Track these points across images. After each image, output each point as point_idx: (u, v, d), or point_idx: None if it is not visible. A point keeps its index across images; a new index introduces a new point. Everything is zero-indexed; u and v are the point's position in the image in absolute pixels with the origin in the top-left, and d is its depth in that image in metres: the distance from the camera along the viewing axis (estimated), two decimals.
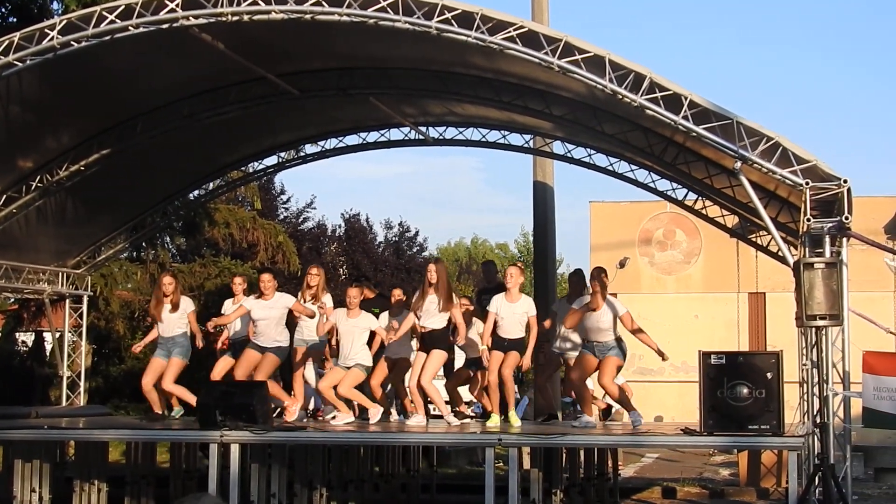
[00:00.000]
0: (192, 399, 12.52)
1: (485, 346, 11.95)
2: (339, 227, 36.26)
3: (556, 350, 12.98)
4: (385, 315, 12.70)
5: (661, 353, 11.56)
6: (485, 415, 12.77)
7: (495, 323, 11.70)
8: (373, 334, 12.30)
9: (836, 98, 79.21)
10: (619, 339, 11.58)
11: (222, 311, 13.19)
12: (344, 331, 12.03)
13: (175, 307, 12.75)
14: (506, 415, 11.83)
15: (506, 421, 11.76)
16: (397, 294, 12.96)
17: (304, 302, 12.51)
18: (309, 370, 13.14)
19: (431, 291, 11.68)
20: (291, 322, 12.65)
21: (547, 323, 12.72)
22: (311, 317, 12.36)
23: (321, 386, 12.22)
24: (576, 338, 12.36)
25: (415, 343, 12.33)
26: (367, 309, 12.41)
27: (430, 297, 11.69)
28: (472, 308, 12.85)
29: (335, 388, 11.98)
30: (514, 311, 11.68)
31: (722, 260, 23.15)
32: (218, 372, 12.88)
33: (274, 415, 12.12)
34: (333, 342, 12.67)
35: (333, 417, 12.24)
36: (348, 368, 11.91)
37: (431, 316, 11.67)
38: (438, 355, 11.72)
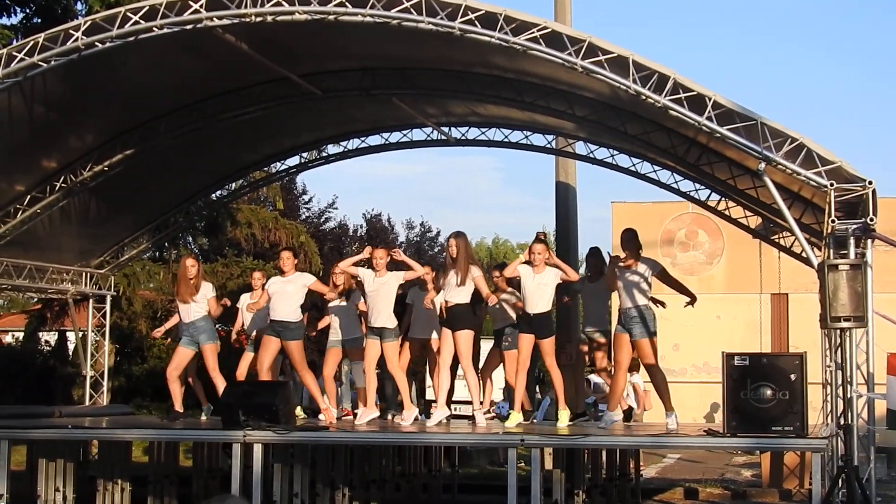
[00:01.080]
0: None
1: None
2: (361, 227, 36.31)
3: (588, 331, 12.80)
4: (413, 290, 12.84)
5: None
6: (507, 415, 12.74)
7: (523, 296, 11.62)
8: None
9: (841, 97, 78.94)
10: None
11: (238, 305, 13.22)
12: (372, 291, 11.92)
13: (196, 290, 12.43)
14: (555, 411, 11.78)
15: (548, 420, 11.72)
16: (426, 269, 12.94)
17: (334, 302, 12.60)
18: (356, 368, 12.92)
19: (453, 265, 11.55)
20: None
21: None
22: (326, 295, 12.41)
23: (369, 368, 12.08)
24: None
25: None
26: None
27: (453, 271, 11.55)
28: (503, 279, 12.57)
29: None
30: (539, 283, 11.40)
31: (744, 261, 23.02)
32: (242, 370, 12.92)
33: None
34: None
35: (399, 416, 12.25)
36: (379, 333, 11.87)
37: (453, 290, 11.52)
38: (466, 336, 11.54)
